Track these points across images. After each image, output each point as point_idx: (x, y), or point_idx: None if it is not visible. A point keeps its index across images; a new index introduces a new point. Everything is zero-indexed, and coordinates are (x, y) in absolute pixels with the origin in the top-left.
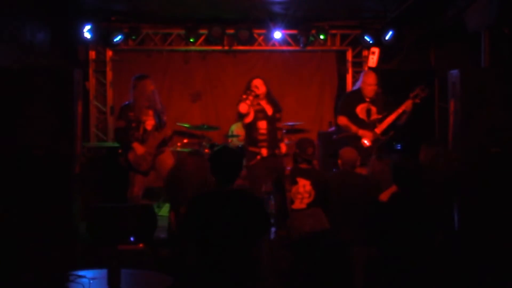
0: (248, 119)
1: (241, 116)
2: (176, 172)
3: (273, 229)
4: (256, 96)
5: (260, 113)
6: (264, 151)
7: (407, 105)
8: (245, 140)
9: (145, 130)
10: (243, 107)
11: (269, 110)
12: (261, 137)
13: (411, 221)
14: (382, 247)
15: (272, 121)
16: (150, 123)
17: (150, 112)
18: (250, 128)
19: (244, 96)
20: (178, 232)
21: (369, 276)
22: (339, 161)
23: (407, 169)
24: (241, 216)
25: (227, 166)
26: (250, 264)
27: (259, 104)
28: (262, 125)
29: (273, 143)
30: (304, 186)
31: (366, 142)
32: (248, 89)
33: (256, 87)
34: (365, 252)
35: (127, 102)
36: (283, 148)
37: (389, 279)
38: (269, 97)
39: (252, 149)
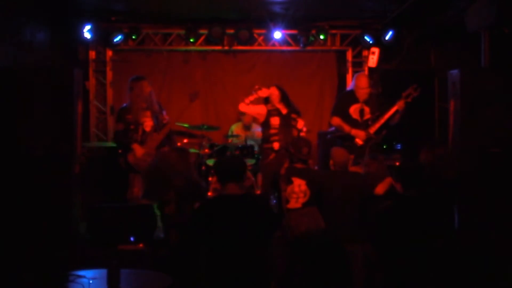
0: (262, 118)
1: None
2: (158, 168)
3: None
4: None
5: (274, 111)
6: (275, 145)
7: (399, 105)
8: (261, 138)
9: (143, 131)
10: (241, 107)
11: (284, 110)
12: (273, 131)
13: (413, 223)
14: (380, 246)
15: (286, 118)
16: (148, 124)
17: (148, 113)
18: (265, 126)
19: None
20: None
21: (368, 274)
22: (331, 162)
23: (412, 170)
24: (246, 219)
25: (230, 171)
26: (258, 265)
27: (273, 105)
28: (275, 121)
29: (285, 139)
30: (299, 185)
31: (358, 141)
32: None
33: (259, 88)
34: (360, 249)
35: (124, 105)
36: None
37: (388, 279)
38: (285, 101)
39: (266, 145)
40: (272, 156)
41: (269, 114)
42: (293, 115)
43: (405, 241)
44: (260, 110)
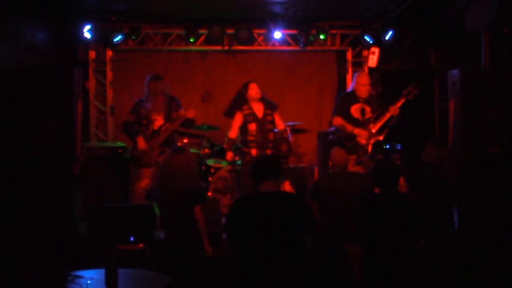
0: (240, 123)
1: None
2: (161, 173)
3: None
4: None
5: (250, 117)
6: (253, 151)
7: (393, 110)
8: (240, 141)
9: (152, 129)
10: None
11: (260, 113)
12: (251, 138)
13: (389, 222)
14: (364, 246)
15: (262, 123)
16: (158, 123)
17: (162, 113)
18: (243, 131)
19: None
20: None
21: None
22: (330, 163)
23: (386, 171)
24: (281, 217)
25: (264, 169)
26: (291, 263)
27: (250, 108)
28: (252, 127)
29: (263, 143)
30: (283, 186)
31: (361, 140)
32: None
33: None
34: (360, 249)
35: (142, 98)
36: (285, 147)
37: (371, 277)
38: (263, 99)
39: (244, 149)
40: (248, 158)
41: (246, 120)
42: (268, 111)
43: (380, 239)
44: (238, 120)
